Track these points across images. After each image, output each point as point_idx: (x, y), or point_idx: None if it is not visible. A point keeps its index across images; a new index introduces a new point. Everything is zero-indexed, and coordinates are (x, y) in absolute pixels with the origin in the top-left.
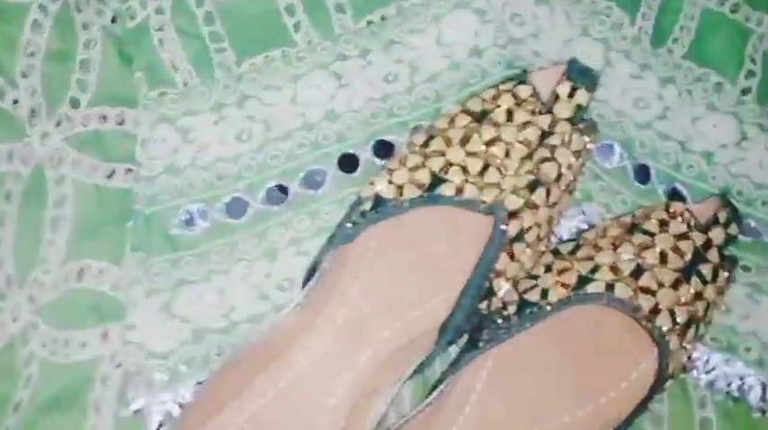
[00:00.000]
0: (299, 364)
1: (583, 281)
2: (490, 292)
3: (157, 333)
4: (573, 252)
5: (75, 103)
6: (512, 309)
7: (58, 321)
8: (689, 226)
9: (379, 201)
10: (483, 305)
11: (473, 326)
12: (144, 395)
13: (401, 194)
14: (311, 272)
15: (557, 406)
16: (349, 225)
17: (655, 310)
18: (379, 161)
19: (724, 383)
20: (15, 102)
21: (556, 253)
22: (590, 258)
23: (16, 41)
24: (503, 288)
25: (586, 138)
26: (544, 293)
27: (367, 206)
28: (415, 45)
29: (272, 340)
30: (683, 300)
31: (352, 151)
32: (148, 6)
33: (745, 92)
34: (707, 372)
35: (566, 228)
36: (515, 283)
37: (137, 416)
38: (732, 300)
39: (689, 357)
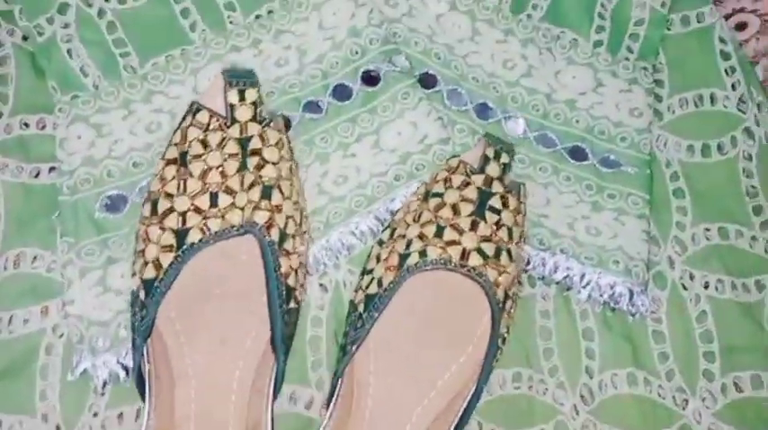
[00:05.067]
0: None
1: (403, 258)
2: (290, 291)
3: (95, 305)
4: (391, 236)
5: None
6: (361, 307)
7: (1, 303)
8: (466, 173)
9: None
10: (293, 304)
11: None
12: (89, 358)
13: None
14: None
15: (438, 367)
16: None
17: (464, 256)
18: None
19: (598, 293)
20: None
21: (380, 243)
22: (402, 236)
23: None
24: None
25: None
26: (379, 282)
27: None
28: (300, 32)
29: None
30: (484, 233)
31: None
32: (55, 22)
33: (596, 44)
34: (584, 287)
35: None
36: (356, 287)
37: (82, 377)
38: (601, 223)
39: (520, 274)
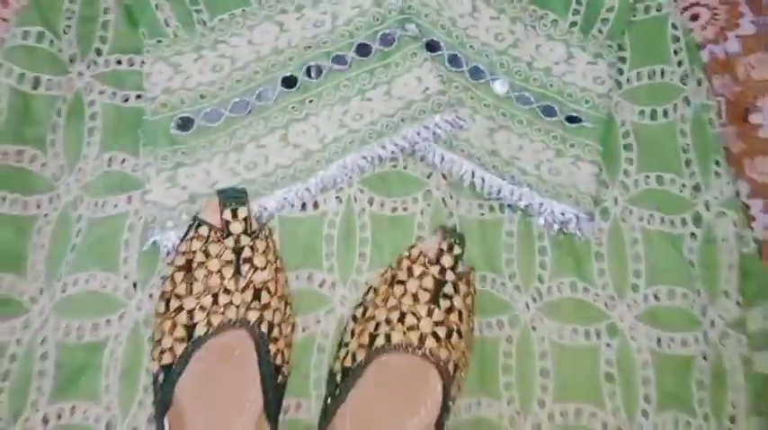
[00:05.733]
0: None
1: (372, 338)
2: (277, 369)
3: (165, 195)
4: (363, 314)
5: (99, 52)
6: (338, 378)
7: (97, 193)
8: (425, 264)
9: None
10: (281, 379)
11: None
12: (158, 234)
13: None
14: None
15: (404, 422)
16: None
17: (422, 339)
18: (310, 79)
19: (552, 219)
20: (60, 50)
21: (355, 318)
22: (372, 317)
23: (60, 8)
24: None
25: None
26: (353, 357)
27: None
28: (335, 0)
29: None
30: (438, 319)
31: (292, 74)
32: None
33: (572, 24)
34: (541, 213)
35: (445, 123)
36: (336, 356)
37: (152, 247)
38: (561, 166)
39: (471, 345)
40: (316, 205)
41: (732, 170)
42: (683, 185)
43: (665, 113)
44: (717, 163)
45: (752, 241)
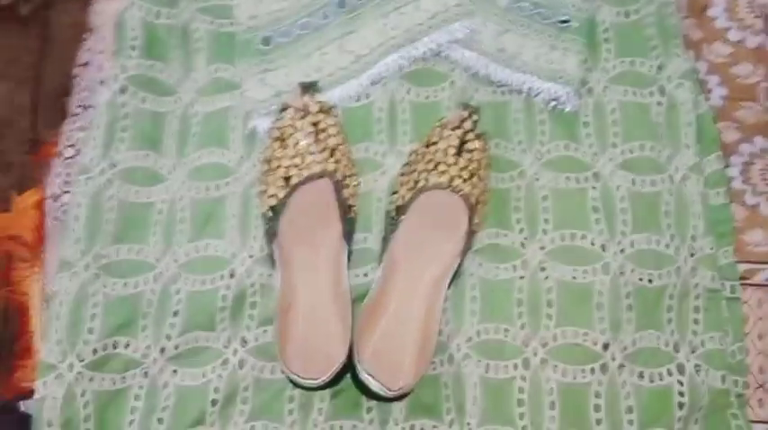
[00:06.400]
0: None
1: (415, 183)
2: (349, 207)
3: (258, 91)
4: (408, 166)
5: None
6: (393, 214)
7: (207, 94)
8: (451, 129)
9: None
10: (352, 214)
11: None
12: (255, 119)
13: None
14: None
15: (440, 246)
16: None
17: (451, 180)
18: (357, 1)
19: (548, 96)
20: None
21: (402, 174)
22: (414, 170)
23: None
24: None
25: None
26: (403, 198)
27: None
28: None
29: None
30: (462, 165)
31: None
32: None
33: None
34: (538, 93)
35: (463, 28)
36: (390, 201)
37: (252, 131)
38: (554, 56)
39: (487, 185)
40: (367, 96)
41: (691, 52)
42: (650, 66)
43: (636, 11)
44: (676, 46)
45: (705, 104)
